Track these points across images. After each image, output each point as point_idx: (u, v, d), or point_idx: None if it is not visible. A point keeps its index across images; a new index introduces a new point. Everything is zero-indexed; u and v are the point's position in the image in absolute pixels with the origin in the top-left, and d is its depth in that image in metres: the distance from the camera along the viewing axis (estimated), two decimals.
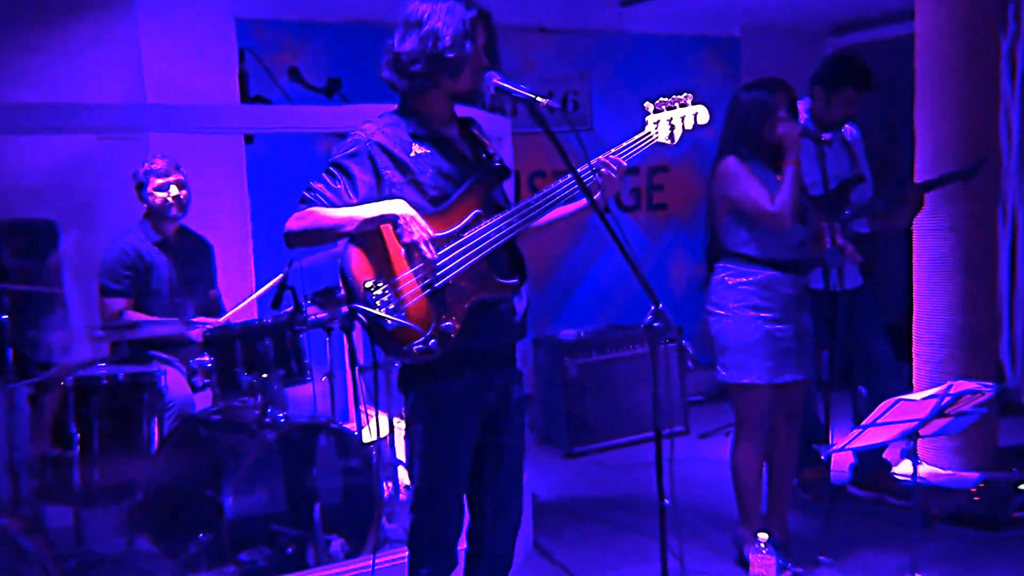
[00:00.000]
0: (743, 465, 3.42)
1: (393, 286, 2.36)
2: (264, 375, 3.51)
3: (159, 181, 3.95)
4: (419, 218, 2.34)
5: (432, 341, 2.32)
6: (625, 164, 2.48)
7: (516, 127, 4.83)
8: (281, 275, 3.71)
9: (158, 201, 3.95)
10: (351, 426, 3.88)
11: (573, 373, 5.13)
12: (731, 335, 3.35)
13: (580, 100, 5.90)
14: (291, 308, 3.63)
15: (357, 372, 3.98)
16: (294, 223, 2.40)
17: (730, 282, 3.37)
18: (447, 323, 2.34)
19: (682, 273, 6.28)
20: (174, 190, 3.95)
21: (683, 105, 2.58)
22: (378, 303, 2.33)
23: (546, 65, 5.80)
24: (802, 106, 4.10)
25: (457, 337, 2.35)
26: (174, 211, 3.97)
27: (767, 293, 3.34)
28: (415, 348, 2.32)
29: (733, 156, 3.34)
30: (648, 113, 2.57)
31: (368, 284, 2.34)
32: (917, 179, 4.44)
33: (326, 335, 3.94)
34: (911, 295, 4.61)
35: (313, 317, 3.71)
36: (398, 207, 2.34)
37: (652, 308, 2.29)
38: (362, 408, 3.89)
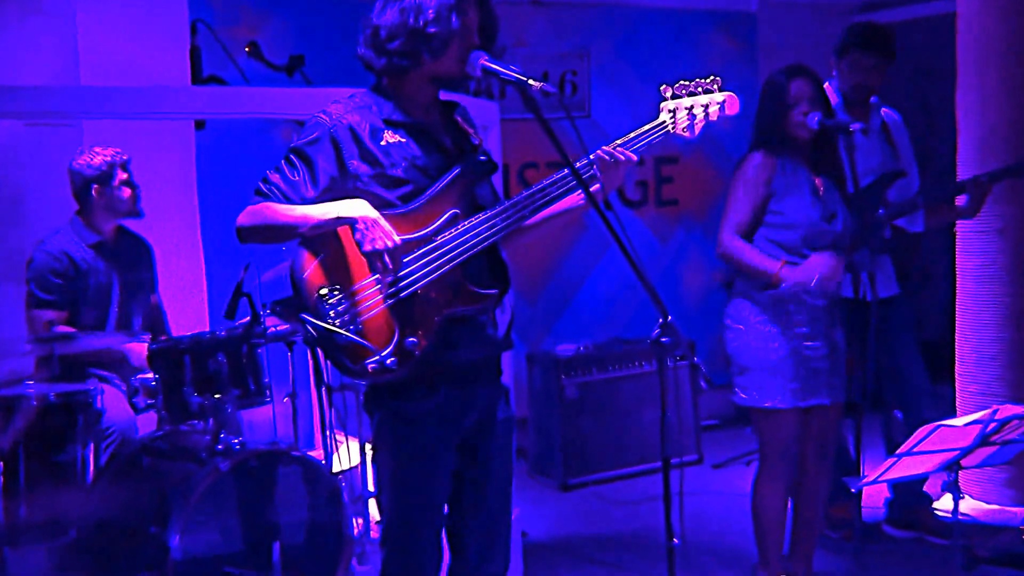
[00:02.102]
0: (766, 500, 3.44)
1: (351, 295, 2.36)
2: (217, 395, 3.51)
3: (125, 175, 3.95)
4: (383, 221, 2.35)
5: (391, 359, 2.33)
6: (635, 159, 2.47)
7: (505, 112, 4.85)
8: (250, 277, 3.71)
9: (126, 196, 3.95)
10: (317, 454, 3.88)
11: (571, 393, 5.14)
12: (752, 353, 3.37)
13: (578, 82, 5.93)
14: (248, 319, 3.63)
15: (324, 392, 3.99)
16: (245, 218, 2.42)
17: (753, 293, 3.39)
18: (411, 339, 2.35)
19: (695, 279, 6.30)
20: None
21: (708, 91, 2.54)
22: (331, 314, 2.34)
23: (539, 42, 5.83)
24: (831, 88, 4.13)
25: (424, 355, 2.35)
26: (131, 207, 3.97)
27: (794, 305, 3.36)
28: (369, 367, 2.32)
29: (762, 151, 3.38)
30: (664, 98, 2.54)
31: (322, 291, 2.36)
32: (961, 172, 4.47)
33: (288, 350, 3.94)
34: (953, 306, 4.65)
35: (273, 329, 3.71)
36: (358, 208, 2.35)
37: (660, 320, 2.30)
38: (329, 433, 3.89)
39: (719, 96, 2.55)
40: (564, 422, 5.12)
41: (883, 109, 4.18)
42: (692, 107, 2.53)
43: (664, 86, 2.54)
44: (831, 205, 3.41)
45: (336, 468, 3.91)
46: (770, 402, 3.35)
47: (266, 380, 3.66)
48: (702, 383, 2.38)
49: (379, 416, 2.46)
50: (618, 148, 2.46)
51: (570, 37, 5.92)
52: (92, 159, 3.92)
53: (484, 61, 2.39)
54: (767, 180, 3.36)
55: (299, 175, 2.41)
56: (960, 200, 3.97)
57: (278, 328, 3.74)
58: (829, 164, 3.46)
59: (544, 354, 5.30)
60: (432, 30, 2.37)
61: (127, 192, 3.96)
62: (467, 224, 2.42)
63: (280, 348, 3.91)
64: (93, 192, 3.92)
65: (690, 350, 2.31)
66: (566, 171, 2.40)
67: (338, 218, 2.35)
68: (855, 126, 3.31)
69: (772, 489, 3.43)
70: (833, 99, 4.04)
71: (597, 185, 2.47)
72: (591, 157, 2.45)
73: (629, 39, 6.07)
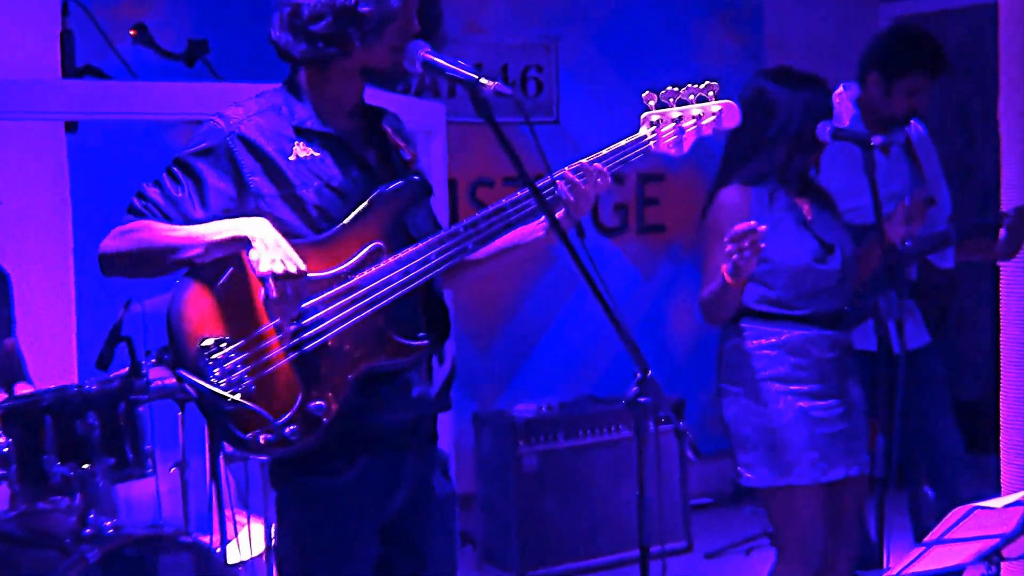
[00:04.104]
0: None
1: (243, 347, 2.36)
2: (85, 465, 3.48)
3: None
4: (284, 243, 2.35)
5: (290, 428, 2.33)
6: (608, 177, 2.50)
7: (454, 115, 4.87)
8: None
9: None
10: (210, 539, 3.85)
11: (529, 464, 5.14)
12: (753, 420, 3.40)
13: (544, 80, 5.98)
14: (126, 369, 3.60)
15: (222, 461, 3.96)
16: (112, 242, 2.42)
17: (747, 346, 3.41)
18: (317, 402, 2.35)
19: (685, 323, 6.32)
20: None
21: (701, 99, 2.57)
22: (216, 371, 2.33)
23: (497, 29, 5.87)
24: (848, 95, 4.19)
25: (333, 422, 2.35)
26: None
27: (798, 359, 3.39)
28: (262, 438, 2.32)
29: (735, 182, 3.41)
30: (646, 107, 2.57)
31: (205, 342, 2.36)
32: (1004, 195, 4.54)
33: (178, 408, 3.92)
34: (997, 359, 4.70)
35: (159, 382, 3.68)
36: (255, 226, 2.35)
37: (638, 375, 2.31)
38: (228, 513, 3.86)
39: (714, 105, 2.58)
40: (521, 500, 5.11)
41: (910, 121, 4.25)
42: (681, 119, 2.56)
43: (647, 93, 2.57)
44: (826, 235, 3.45)
45: (235, 557, 3.88)
46: (785, 479, 3.38)
47: (148, 446, 3.62)
48: (689, 453, 2.38)
49: (283, 493, 2.45)
50: (592, 164, 2.48)
51: (535, 24, 5.96)
52: None
53: (425, 53, 2.42)
54: (743, 220, 3.39)
55: (184, 191, 2.42)
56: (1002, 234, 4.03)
57: (164, 381, 3.71)
58: (809, 179, 3.51)
59: (497, 415, 5.30)
60: (365, 8, 2.40)
61: None
62: (393, 259, 2.42)
63: (167, 406, 3.87)
64: None
65: (675, 412, 2.32)
66: (523, 192, 2.42)
67: (233, 237, 2.35)
68: (876, 140, 3.35)
69: None
70: (849, 109, 4.09)
71: (563, 210, 2.49)
72: (556, 175, 2.46)
73: (607, 28, 6.12)
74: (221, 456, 3.96)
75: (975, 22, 5.72)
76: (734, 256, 3.05)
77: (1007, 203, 4.31)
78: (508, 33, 5.90)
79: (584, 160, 2.51)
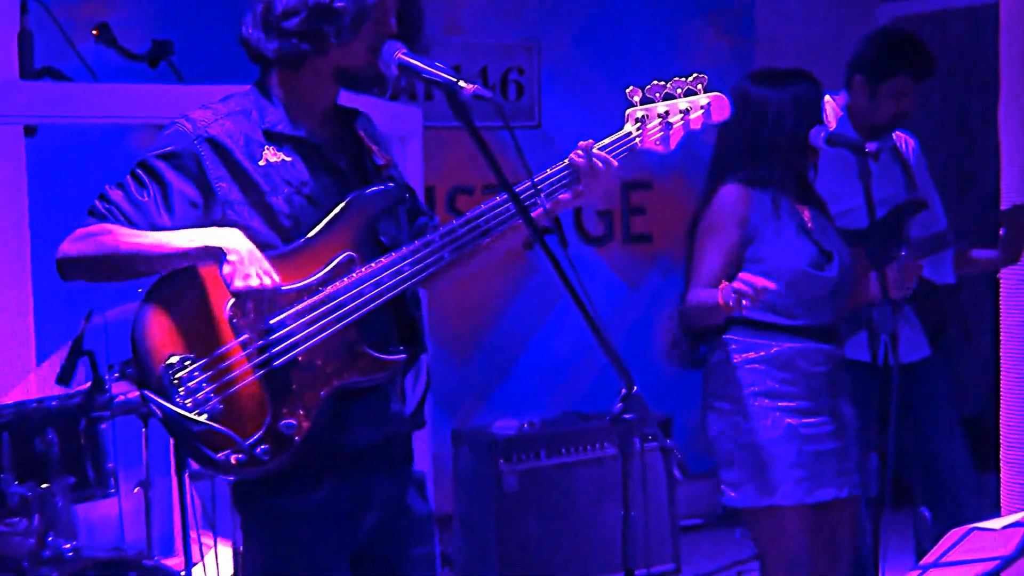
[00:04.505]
0: None
1: (211, 364, 2.36)
2: (44, 485, 3.47)
3: None
4: (259, 255, 2.35)
5: (261, 447, 2.33)
6: (616, 165, 2.49)
7: (431, 119, 4.87)
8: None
9: None
10: (175, 562, 3.84)
11: (510, 483, 5.13)
12: (739, 437, 3.40)
13: (525, 83, 5.99)
14: (88, 385, 3.59)
15: (187, 480, 3.94)
16: (73, 244, 2.42)
17: (735, 360, 3.43)
18: (288, 420, 2.34)
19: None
20: None
21: (689, 93, 2.57)
22: (181, 390, 2.33)
23: (478, 30, 5.88)
24: (837, 102, 4.22)
25: (306, 441, 2.34)
26: None
27: (787, 373, 3.40)
28: (232, 458, 2.32)
29: (736, 181, 3.42)
30: (631, 103, 2.56)
31: (171, 360, 2.35)
32: (1005, 201, 4.56)
33: (142, 425, 3.91)
34: (997, 374, 4.72)
35: (122, 397, 3.68)
36: (230, 238, 2.35)
37: (623, 390, 2.31)
38: (194, 535, 3.85)
39: (703, 99, 2.58)
40: (502, 521, 5.10)
41: (896, 131, 4.28)
42: (667, 114, 2.55)
43: (632, 88, 2.57)
44: (825, 243, 3.46)
45: None
46: (769, 499, 3.38)
47: (110, 465, 3.63)
48: (676, 472, 2.38)
49: (249, 516, 2.46)
50: (598, 151, 2.47)
51: (516, 24, 5.96)
52: None
53: (401, 55, 2.42)
54: (742, 219, 3.41)
55: (148, 195, 2.42)
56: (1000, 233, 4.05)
57: (128, 397, 3.70)
58: (809, 185, 3.52)
59: (476, 432, 5.29)
60: (340, 4, 2.40)
61: None
62: (365, 270, 2.42)
63: (131, 423, 3.86)
64: None
65: (662, 429, 2.33)
66: (502, 197, 2.42)
67: (205, 247, 2.34)
68: (871, 146, 3.37)
69: None
70: (837, 116, 4.12)
71: (564, 196, 2.48)
72: (567, 161, 2.47)
73: (591, 29, 6.13)
74: (187, 474, 3.94)
75: (975, 22, 5.75)
76: (742, 296, 3.05)
77: None
78: (488, 34, 5.90)
79: (596, 146, 2.49)
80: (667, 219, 6.27)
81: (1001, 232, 4.02)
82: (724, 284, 3.16)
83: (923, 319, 4.28)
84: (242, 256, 2.33)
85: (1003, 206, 4.58)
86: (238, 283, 2.31)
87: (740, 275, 3.13)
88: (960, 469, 4.18)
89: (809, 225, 3.47)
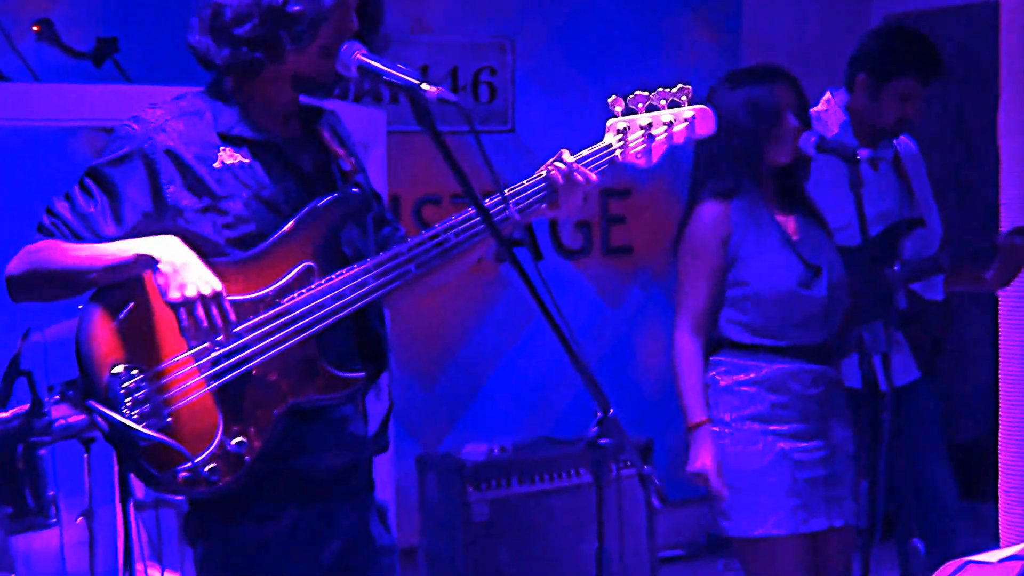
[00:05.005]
0: None
1: (157, 375, 2.35)
2: None
3: None
4: (196, 263, 2.33)
5: (210, 466, 2.31)
6: (595, 179, 2.51)
7: (396, 123, 4.85)
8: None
9: None
10: None
11: (480, 512, 5.12)
12: (729, 462, 3.41)
13: (497, 84, 5.97)
14: (26, 407, 3.57)
15: (132, 509, 3.92)
16: (18, 264, 2.41)
17: (723, 383, 3.44)
18: (238, 439, 2.33)
19: (655, 355, 6.32)
20: None
21: (673, 104, 2.59)
22: (128, 401, 2.31)
23: (447, 28, 5.87)
24: (836, 102, 4.21)
25: (258, 461, 2.33)
26: None
27: (778, 396, 3.40)
28: (180, 476, 2.31)
29: (711, 198, 3.42)
30: (612, 114, 2.58)
31: (116, 369, 2.34)
32: (1004, 215, 4.57)
33: (84, 450, 3.88)
34: (996, 398, 4.73)
35: (62, 421, 3.65)
36: (163, 246, 2.34)
37: (598, 414, 2.30)
38: (140, 567, 3.82)
39: (687, 111, 2.60)
40: (471, 552, 5.09)
41: (900, 135, 4.28)
42: (650, 126, 2.57)
43: (614, 98, 2.58)
44: (812, 255, 3.46)
45: None
46: (761, 529, 3.39)
47: (51, 493, 3.62)
48: (655, 500, 2.37)
49: (203, 547, 2.43)
50: (577, 165, 2.49)
51: (488, 21, 5.96)
52: None
53: (360, 55, 2.41)
54: (723, 240, 3.41)
55: (96, 205, 2.41)
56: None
57: (69, 420, 3.68)
58: (798, 195, 3.52)
59: (443, 458, 5.28)
60: (295, 8, 2.38)
61: None
62: (325, 282, 2.42)
63: (72, 448, 3.84)
64: None
65: (641, 454, 2.32)
66: (473, 211, 2.42)
67: (136, 256, 2.33)
68: (862, 153, 3.38)
69: None
70: (838, 118, 4.11)
71: (540, 209, 2.48)
72: (544, 173, 2.49)
73: (569, 26, 6.12)
74: (132, 503, 3.92)
75: (975, 22, 5.77)
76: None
77: (1006, 222, 4.35)
78: (458, 32, 5.90)
79: (573, 158, 2.50)
80: (648, 229, 6.28)
81: (995, 263, 4.02)
82: (704, 449, 3.38)
83: (916, 339, 4.28)
84: (175, 265, 2.32)
85: (1002, 215, 4.59)
86: (173, 294, 2.30)
87: (705, 468, 3.37)
88: (945, 497, 4.18)
89: (795, 237, 3.47)
